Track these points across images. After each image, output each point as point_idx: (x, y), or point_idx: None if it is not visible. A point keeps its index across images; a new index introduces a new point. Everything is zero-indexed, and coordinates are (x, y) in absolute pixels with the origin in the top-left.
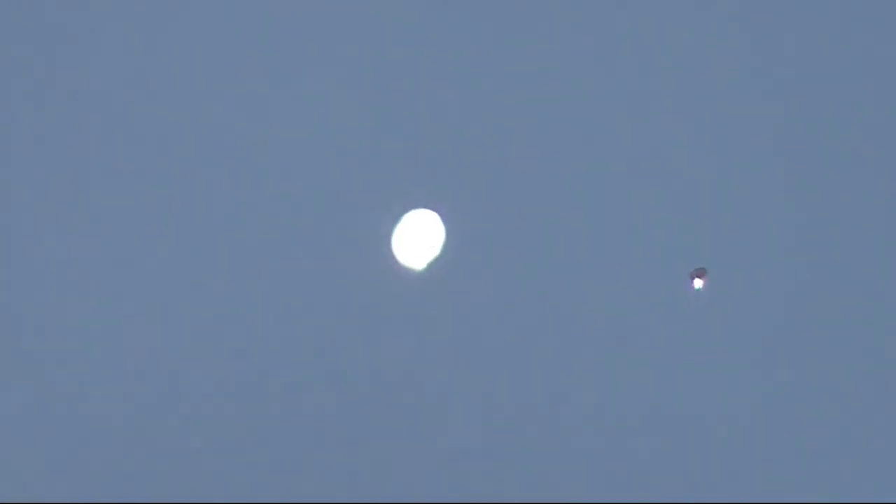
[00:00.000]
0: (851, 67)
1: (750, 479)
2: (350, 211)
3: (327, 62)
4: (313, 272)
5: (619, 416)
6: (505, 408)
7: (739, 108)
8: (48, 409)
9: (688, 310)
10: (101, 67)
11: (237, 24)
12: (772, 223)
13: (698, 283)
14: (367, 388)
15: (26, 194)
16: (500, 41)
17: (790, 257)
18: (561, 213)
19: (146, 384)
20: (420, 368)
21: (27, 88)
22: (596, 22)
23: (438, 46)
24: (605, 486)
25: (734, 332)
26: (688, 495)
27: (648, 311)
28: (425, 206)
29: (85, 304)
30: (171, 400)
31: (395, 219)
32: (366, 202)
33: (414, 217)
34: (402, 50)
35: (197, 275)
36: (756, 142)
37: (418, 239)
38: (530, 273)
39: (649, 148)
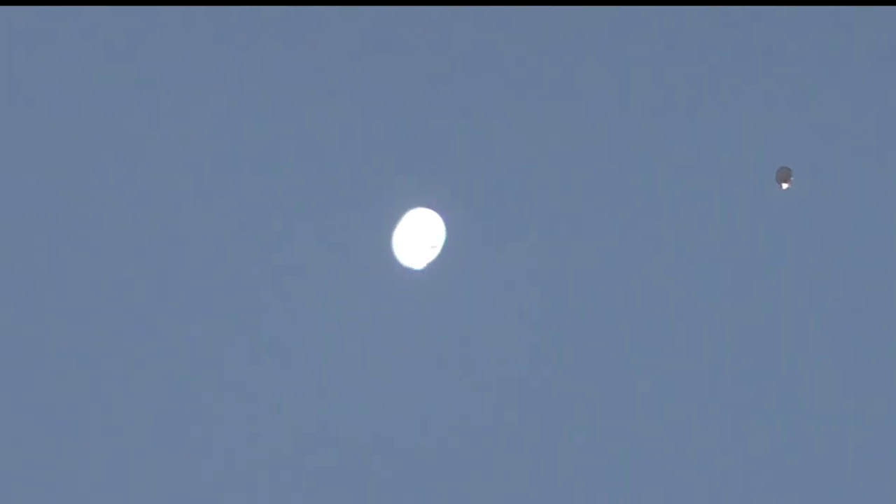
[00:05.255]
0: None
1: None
2: (350, 211)
3: (325, 63)
4: (312, 271)
5: (630, 419)
6: (505, 408)
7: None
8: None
9: (696, 314)
10: None
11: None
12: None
13: (785, 185)
14: (365, 388)
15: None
16: (500, 39)
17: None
18: (563, 213)
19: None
20: (420, 368)
21: None
22: (603, 19)
23: (439, 45)
24: (623, 486)
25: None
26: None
27: (654, 314)
28: (425, 206)
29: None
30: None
31: (395, 219)
32: (366, 202)
33: (414, 217)
34: (402, 49)
35: (192, 277)
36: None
37: (418, 239)
38: (532, 273)
39: (655, 149)
